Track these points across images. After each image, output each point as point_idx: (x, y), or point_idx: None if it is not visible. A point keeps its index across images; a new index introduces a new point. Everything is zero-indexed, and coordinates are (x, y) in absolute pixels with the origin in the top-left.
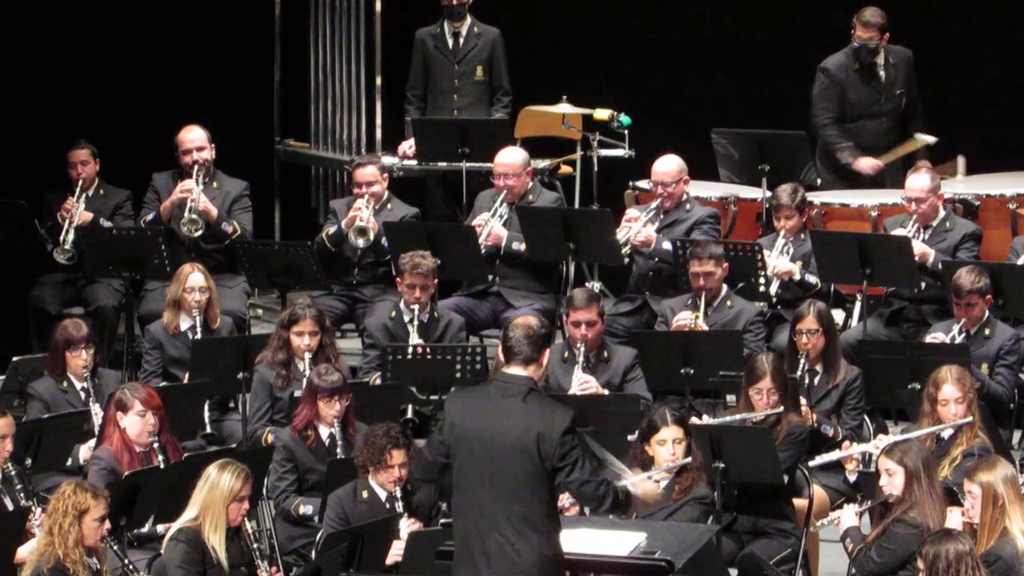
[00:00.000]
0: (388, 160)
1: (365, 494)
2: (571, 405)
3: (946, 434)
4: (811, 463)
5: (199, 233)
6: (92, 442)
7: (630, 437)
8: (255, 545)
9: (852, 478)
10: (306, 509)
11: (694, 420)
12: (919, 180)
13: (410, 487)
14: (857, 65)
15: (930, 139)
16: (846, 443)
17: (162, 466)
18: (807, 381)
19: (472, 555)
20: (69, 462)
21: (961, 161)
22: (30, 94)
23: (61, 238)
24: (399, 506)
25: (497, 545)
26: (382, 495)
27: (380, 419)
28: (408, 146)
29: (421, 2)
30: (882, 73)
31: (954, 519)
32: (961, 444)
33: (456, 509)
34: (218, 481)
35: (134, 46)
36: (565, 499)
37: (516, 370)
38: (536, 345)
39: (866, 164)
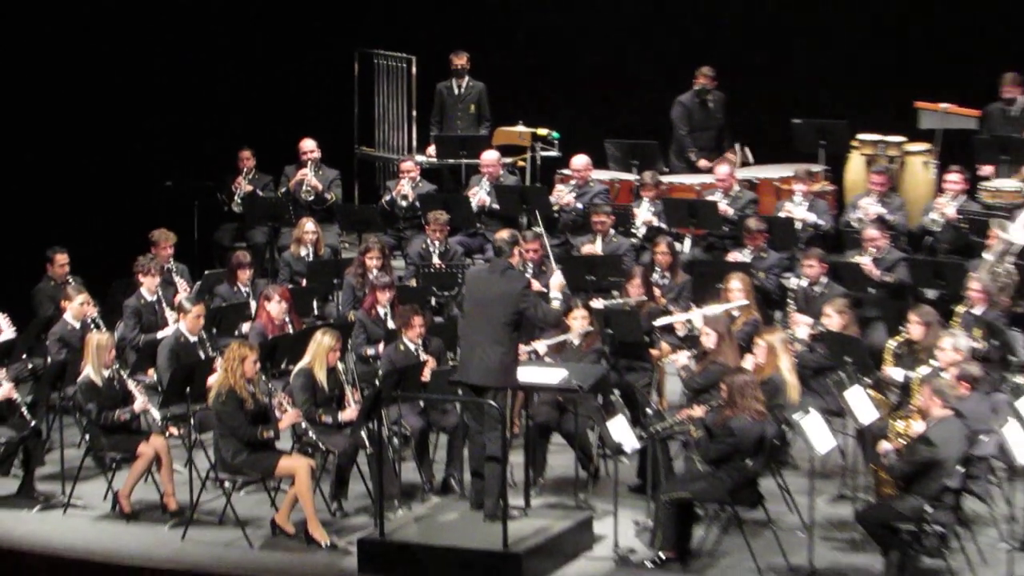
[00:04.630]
0: (420, 158)
1: (402, 347)
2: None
3: (736, 314)
4: (656, 323)
5: (311, 199)
6: (251, 322)
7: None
8: (343, 378)
9: (681, 334)
10: (371, 351)
11: (593, 303)
12: (722, 168)
13: (427, 341)
14: (698, 100)
15: (750, 156)
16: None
17: (292, 332)
18: (661, 282)
19: (466, 361)
20: (236, 333)
21: (738, 148)
22: (205, 112)
23: (236, 198)
24: (421, 351)
25: (481, 352)
26: (412, 347)
27: None
28: (431, 150)
29: (441, 68)
30: (711, 105)
31: (748, 362)
32: (743, 317)
33: (461, 332)
34: (321, 339)
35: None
36: (530, 348)
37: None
38: (508, 246)
39: (703, 163)
